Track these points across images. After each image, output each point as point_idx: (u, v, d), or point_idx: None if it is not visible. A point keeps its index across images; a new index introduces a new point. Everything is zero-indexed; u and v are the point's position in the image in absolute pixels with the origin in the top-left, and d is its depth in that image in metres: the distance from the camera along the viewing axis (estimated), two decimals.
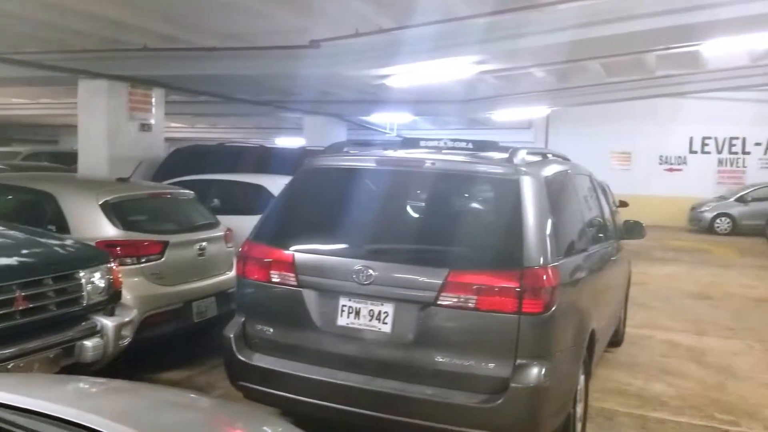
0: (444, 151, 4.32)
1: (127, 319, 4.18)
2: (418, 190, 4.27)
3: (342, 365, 3.73)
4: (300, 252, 3.88)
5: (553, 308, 3.51)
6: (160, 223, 5.95)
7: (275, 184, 7.54)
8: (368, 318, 3.69)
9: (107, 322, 4.00)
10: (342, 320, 3.75)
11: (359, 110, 18.67)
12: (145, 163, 11.35)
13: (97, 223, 5.37)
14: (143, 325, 5.26)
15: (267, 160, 10.24)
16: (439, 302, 3.53)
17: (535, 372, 3.45)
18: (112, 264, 4.28)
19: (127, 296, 5.14)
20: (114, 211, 5.45)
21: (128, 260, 5.28)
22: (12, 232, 4.20)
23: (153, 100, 11.84)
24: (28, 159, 16.96)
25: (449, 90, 14.19)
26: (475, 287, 3.49)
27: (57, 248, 4.06)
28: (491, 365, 3.48)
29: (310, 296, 3.83)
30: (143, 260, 5.36)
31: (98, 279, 4.10)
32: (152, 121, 11.81)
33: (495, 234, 3.81)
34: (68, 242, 4.28)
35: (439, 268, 3.57)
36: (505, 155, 3.97)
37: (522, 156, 3.95)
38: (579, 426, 4.24)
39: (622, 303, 6.62)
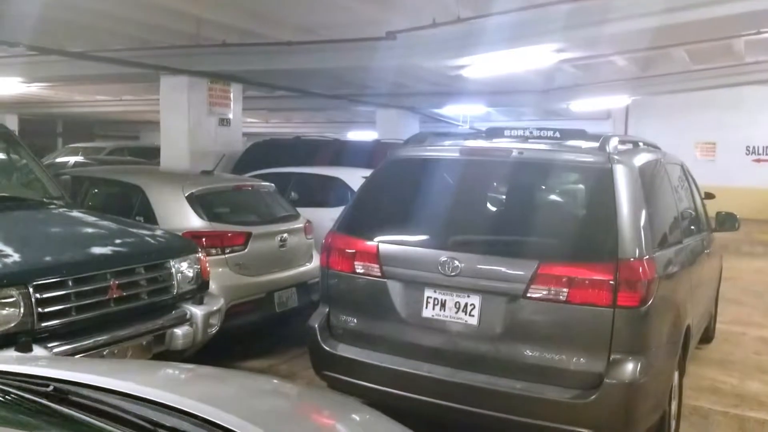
0: (530, 140, 4.20)
1: (215, 308, 4.26)
2: (504, 181, 4.17)
3: (427, 357, 3.69)
4: (384, 243, 3.85)
5: (650, 302, 3.36)
6: (243, 215, 6.04)
7: (352, 176, 7.56)
8: (454, 310, 3.63)
9: (196, 311, 4.09)
10: (427, 312, 3.70)
11: (433, 102, 18.51)
12: (225, 157, 11.63)
13: (183, 215, 5.49)
14: (228, 315, 5.33)
15: (342, 153, 10.29)
16: (528, 295, 3.44)
17: (630, 367, 3.32)
18: (200, 254, 4.36)
19: (212, 286, 5.24)
20: (199, 203, 5.57)
21: (213, 251, 5.38)
22: (105, 222, 4.34)
23: (231, 95, 12.04)
24: (112, 154, 17.69)
25: (526, 80, 13.89)
26: (566, 280, 3.38)
27: (148, 238, 4.16)
28: (584, 360, 3.36)
29: (394, 287, 3.79)
30: (228, 251, 5.46)
31: (187, 268, 4.19)
32: (231, 116, 12.03)
33: (587, 225, 3.67)
34: (158, 233, 4.39)
35: (528, 260, 3.47)
36: (596, 144, 3.82)
37: (614, 144, 3.80)
38: (674, 424, 4.07)
39: (713, 298, 6.33)
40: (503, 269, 3.53)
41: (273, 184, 6.48)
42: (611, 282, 3.32)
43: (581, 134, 4.19)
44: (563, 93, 15.85)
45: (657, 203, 4.00)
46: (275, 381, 2.56)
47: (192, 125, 11.32)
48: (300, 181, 8.05)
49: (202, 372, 2.59)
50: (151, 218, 5.54)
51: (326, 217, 7.14)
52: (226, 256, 5.44)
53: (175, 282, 4.06)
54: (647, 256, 3.43)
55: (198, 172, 6.30)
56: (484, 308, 3.56)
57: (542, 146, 4.02)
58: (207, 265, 4.45)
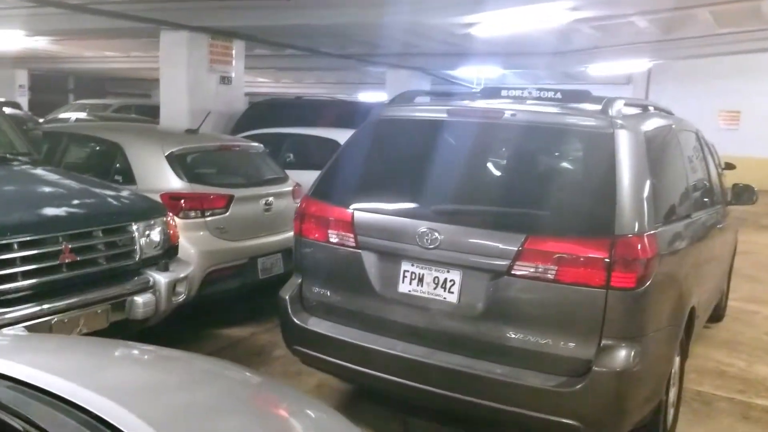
0: (529, 101, 3.84)
1: (182, 275, 3.97)
2: (494, 145, 3.81)
3: (402, 335, 3.39)
4: (360, 211, 3.53)
5: (648, 283, 3.02)
6: (226, 177, 5.74)
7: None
8: (432, 286, 3.31)
9: (160, 278, 3.80)
10: (404, 287, 3.39)
11: (444, 63, 17.99)
12: (224, 116, 11.30)
13: (162, 175, 5.19)
14: (206, 280, 5.10)
15: (346, 114, 9.90)
16: (513, 272, 3.11)
17: (622, 355, 2.99)
18: (169, 217, 4.06)
19: (190, 250, 4.98)
20: (179, 163, 5.26)
21: (192, 213, 5.10)
22: (68, 182, 4.05)
23: (233, 52, 11.67)
24: (118, 111, 17.39)
25: (541, 41, 13.34)
26: (555, 256, 3.04)
27: (111, 199, 3.87)
28: (571, 345, 3.04)
29: (369, 259, 3.48)
30: (207, 214, 5.16)
31: (153, 232, 3.90)
32: (232, 74, 11.67)
33: (582, 196, 3.31)
34: (124, 193, 4.09)
35: (514, 233, 3.13)
36: (599, 106, 3.45)
37: (618, 107, 3.42)
38: (671, 412, 3.76)
39: (726, 274, 5.96)
40: (486, 242, 3.20)
41: (262, 145, 6.14)
42: (605, 260, 2.98)
43: (585, 96, 3.81)
44: (580, 55, 15.26)
45: (664, 174, 3.63)
46: (233, 367, 2.23)
47: (192, 83, 10.99)
48: (295, 142, 7.71)
49: (135, 354, 2.29)
50: (129, 178, 5.26)
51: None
52: (206, 219, 5.15)
53: (137, 247, 3.78)
54: (648, 232, 3.08)
55: (182, 131, 5.96)
56: (464, 285, 3.24)
57: (539, 108, 3.65)
58: (176, 229, 4.15)
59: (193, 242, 5.03)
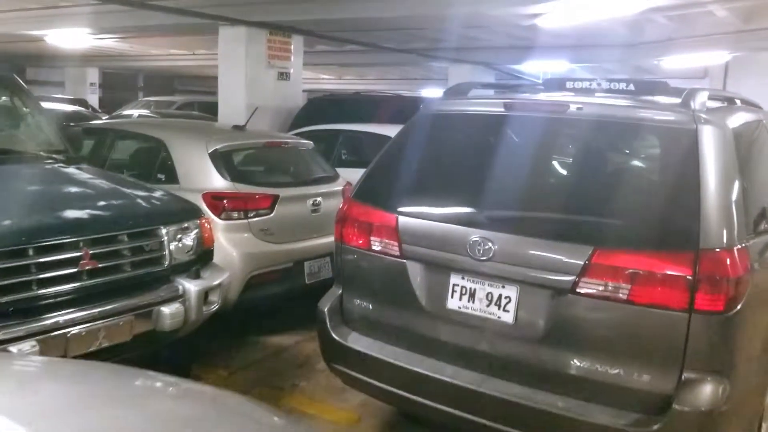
0: (597, 93, 3.41)
1: (215, 283, 3.70)
2: (558, 144, 3.40)
3: (451, 357, 3.02)
4: (405, 215, 3.17)
5: (738, 306, 2.56)
6: (272, 175, 5.48)
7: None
8: (485, 302, 2.93)
9: (191, 286, 3.53)
10: (453, 302, 3.01)
11: (508, 58, 17.38)
12: (282, 112, 11.11)
13: (205, 173, 4.96)
14: (249, 285, 4.85)
15: (403, 110, 9.55)
16: (578, 289, 2.70)
17: (708, 391, 2.55)
18: (204, 220, 3.80)
19: (233, 253, 4.75)
20: (223, 161, 5.01)
21: (235, 214, 4.85)
22: (98, 182, 3.84)
23: (292, 47, 11.46)
24: (181, 108, 17.53)
25: (611, 32, 12.66)
26: (628, 273, 2.61)
27: (141, 201, 3.63)
28: (647, 377, 2.61)
29: (415, 270, 3.12)
30: (251, 215, 4.90)
31: (185, 237, 3.65)
32: (291, 70, 11.46)
33: (660, 202, 2.86)
34: (157, 194, 3.85)
35: (580, 245, 2.72)
36: (678, 99, 2.99)
37: (701, 100, 2.95)
38: None
39: None
40: (548, 255, 2.79)
41: (311, 142, 5.85)
42: (688, 278, 2.53)
43: (661, 88, 3.34)
44: (653, 48, 14.44)
45: (756, 176, 3.14)
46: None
47: (249, 79, 10.83)
48: (349, 139, 7.40)
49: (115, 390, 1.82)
50: (172, 176, 5.05)
51: None
52: (250, 220, 4.89)
53: (166, 252, 3.52)
54: (739, 246, 2.62)
55: (229, 127, 5.72)
56: (522, 303, 2.85)
57: (609, 101, 3.21)
58: (212, 232, 3.89)
59: (236, 245, 4.79)
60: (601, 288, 2.66)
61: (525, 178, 3.12)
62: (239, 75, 10.86)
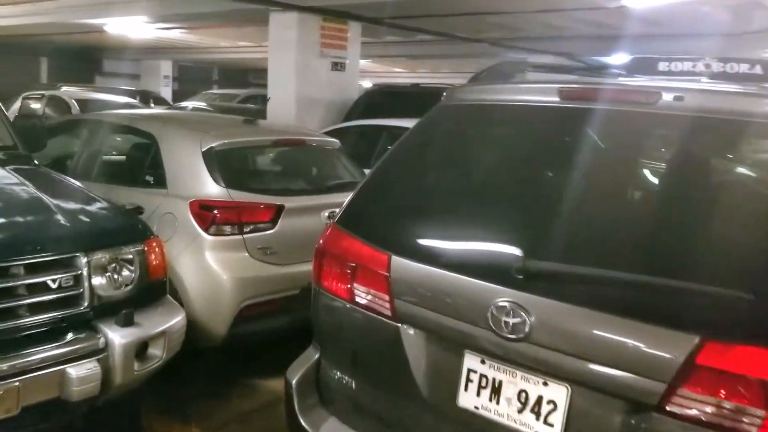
0: (704, 79, 2.25)
1: (155, 331, 2.71)
2: (641, 153, 2.25)
3: None
4: (402, 255, 2.10)
5: None
6: (280, 181, 4.50)
7: None
8: (516, 405, 1.83)
9: (116, 337, 2.57)
10: (466, 398, 1.93)
11: (594, 49, 15.87)
12: (335, 106, 10.18)
13: (195, 177, 4.03)
14: (241, 317, 3.90)
15: None
16: (670, 406, 1.57)
17: None
18: (151, 243, 2.83)
19: (221, 277, 3.82)
20: (219, 162, 4.07)
21: (227, 228, 3.90)
22: (15, 187, 2.93)
23: (348, 35, 10.48)
24: (244, 102, 16.91)
25: (711, 19, 11.09)
26: (763, 387, 1.47)
27: (60, 217, 2.68)
28: None
29: (412, 341, 2.05)
30: (247, 229, 3.94)
31: (119, 267, 2.69)
32: (346, 60, 10.49)
33: None
34: (93, 208, 2.91)
35: (677, 331, 1.59)
36: None
37: None
38: None
39: None
40: (620, 341, 1.67)
41: (337, 141, 4.82)
42: None
43: None
44: (762, 38, 12.70)
45: None
46: None
47: (300, 69, 9.94)
48: (393, 136, 6.32)
49: None
50: (160, 178, 4.16)
51: None
52: (245, 236, 3.92)
53: (85, 289, 2.57)
54: None
55: (239, 121, 4.75)
56: (574, 415, 1.74)
57: (725, 89, 2.06)
58: (163, 259, 2.91)
59: (225, 266, 3.84)
60: (710, 409, 1.52)
61: (587, 207, 1.98)
62: (289, 65, 9.99)
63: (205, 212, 3.88)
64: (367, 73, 24.85)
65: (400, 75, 25.32)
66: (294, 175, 4.60)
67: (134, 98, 14.44)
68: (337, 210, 3.58)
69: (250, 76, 31.75)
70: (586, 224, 1.92)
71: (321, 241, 2.41)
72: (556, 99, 2.12)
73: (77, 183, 3.29)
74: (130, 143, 4.59)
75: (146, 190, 4.19)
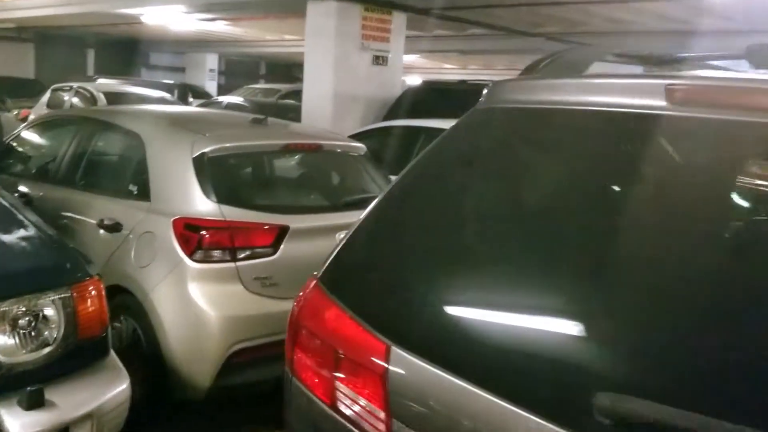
0: None
1: (77, 414, 1.97)
2: None
3: None
4: (408, 345, 1.31)
5: None
6: (285, 195, 3.74)
7: None
8: None
9: (13, 425, 1.85)
10: None
11: (660, 46, 14.75)
12: (376, 103, 9.42)
13: (182, 188, 3.31)
14: (230, 365, 3.16)
15: None
16: None
17: None
18: (85, 287, 2.11)
19: (206, 315, 3.11)
20: (212, 171, 3.33)
21: (215, 254, 3.17)
22: None
23: (391, 26, 9.69)
24: (286, 97, 16.30)
25: None
26: None
27: None
28: None
29: None
30: (241, 255, 3.19)
31: (29, 322, 1.97)
32: (389, 53, 9.70)
33: None
34: (9, 238, 2.18)
35: None
36: None
37: None
38: None
39: None
40: None
41: (363, 146, 4.03)
42: None
43: None
44: None
45: None
46: None
47: (338, 62, 9.18)
48: (432, 140, 5.51)
49: None
50: (144, 188, 3.46)
51: None
52: (239, 263, 3.18)
53: None
54: None
55: (247, 121, 4.00)
56: None
57: None
58: (102, 306, 2.18)
59: (213, 302, 3.11)
60: None
61: (731, 288, 1.15)
62: (327, 57, 9.25)
63: (190, 233, 3.15)
64: (416, 69, 24.06)
65: (450, 71, 24.42)
66: (305, 188, 3.82)
67: (171, 92, 13.96)
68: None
69: (294, 71, 31.32)
70: (731, 318, 1.09)
71: (296, 308, 1.65)
72: (663, 103, 1.30)
73: (8, 204, 2.55)
74: (115, 145, 3.90)
75: (127, 201, 3.50)
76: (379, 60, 9.61)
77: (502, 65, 24.73)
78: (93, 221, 3.56)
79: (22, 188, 4.15)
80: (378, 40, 9.57)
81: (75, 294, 2.07)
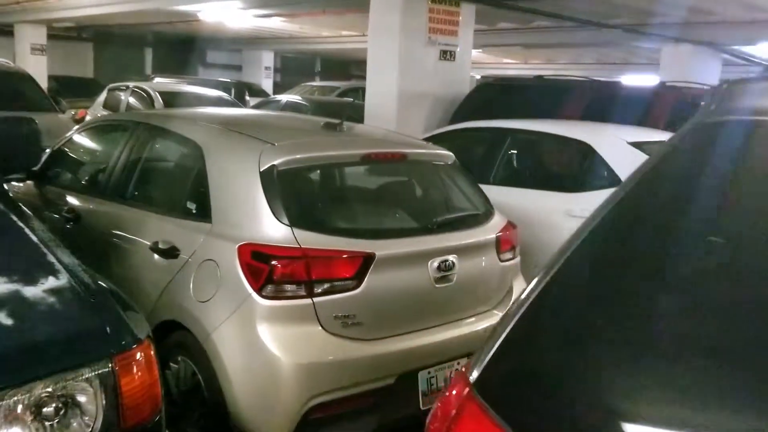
0: None
1: None
2: None
3: None
4: None
5: None
6: (368, 216, 3.18)
7: (609, 140, 4.35)
8: None
9: None
10: None
11: (741, 36, 13.71)
12: (443, 101, 8.83)
13: (249, 209, 2.80)
14: (308, 422, 2.65)
15: (603, 100, 6.85)
16: None
17: None
18: (118, 362, 1.59)
19: (280, 363, 2.62)
20: (284, 188, 2.81)
21: (289, 288, 2.65)
22: None
23: (459, 19, 9.07)
24: (344, 95, 15.84)
25: None
26: None
27: None
28: None
29: None
30: (319, 290, 2.67)
31: (57, 409, 1.47)
32: (457, 48, 9.08)
33: None
34: (25, 288, 1.67)
35: None
36: None
37: None
38: None
39: None
40: None
41: (451, 154, 3.45)
42: None
43: None
44: None
45: None
46: None
47: (403, 57, 8.60)
48: (521, 144, 4.88)
49: None
50: (204, 207, 2.96)
51: (557, 209, 4.11)
52: (316, 299, 2.65)
53: None
54: None
55: (319, 125, 3.46)
56: None
57: None
58: (154, 380, 1.67)
59: (286, 347, 2.60)
60: None
61: None
62: (391, 52, 8.67)
63: (258, 263, 2.64)
64: (475, 63, 23.37)
65: (510, 66, 23.58)
66: (390, 207, 3.23)
67: (228, 90, 13.62)
68: (452, 257, 2.26)
69: (351, 68, 30.89)
70: None
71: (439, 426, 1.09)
72: None
73: (26, 231, 2.01)
74: (170, 154, 3.42)
75: (185, 222, 3.01)
76: (447, 55, 9.00)
77: (566, 59, 23.78)
78: (146, 242, 3.09)
79: (71, 200, 3.74)
80: (445, 34, 8.96)
81: (118, 367, 1.56)
